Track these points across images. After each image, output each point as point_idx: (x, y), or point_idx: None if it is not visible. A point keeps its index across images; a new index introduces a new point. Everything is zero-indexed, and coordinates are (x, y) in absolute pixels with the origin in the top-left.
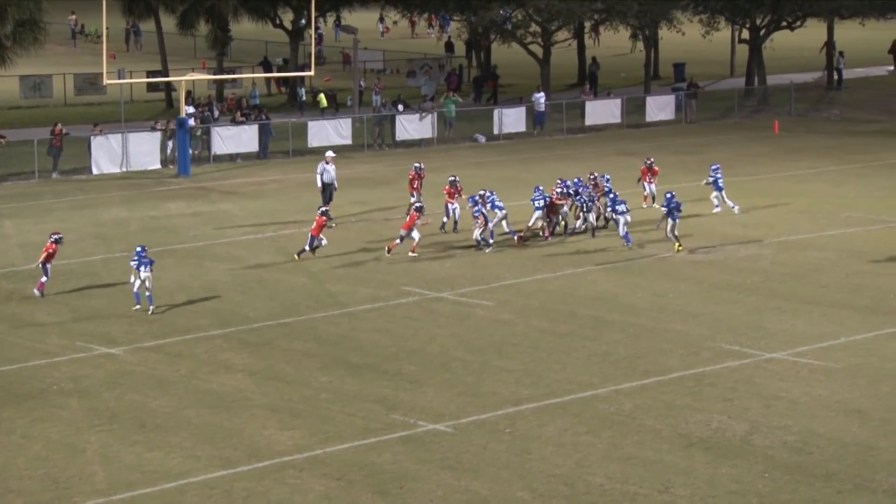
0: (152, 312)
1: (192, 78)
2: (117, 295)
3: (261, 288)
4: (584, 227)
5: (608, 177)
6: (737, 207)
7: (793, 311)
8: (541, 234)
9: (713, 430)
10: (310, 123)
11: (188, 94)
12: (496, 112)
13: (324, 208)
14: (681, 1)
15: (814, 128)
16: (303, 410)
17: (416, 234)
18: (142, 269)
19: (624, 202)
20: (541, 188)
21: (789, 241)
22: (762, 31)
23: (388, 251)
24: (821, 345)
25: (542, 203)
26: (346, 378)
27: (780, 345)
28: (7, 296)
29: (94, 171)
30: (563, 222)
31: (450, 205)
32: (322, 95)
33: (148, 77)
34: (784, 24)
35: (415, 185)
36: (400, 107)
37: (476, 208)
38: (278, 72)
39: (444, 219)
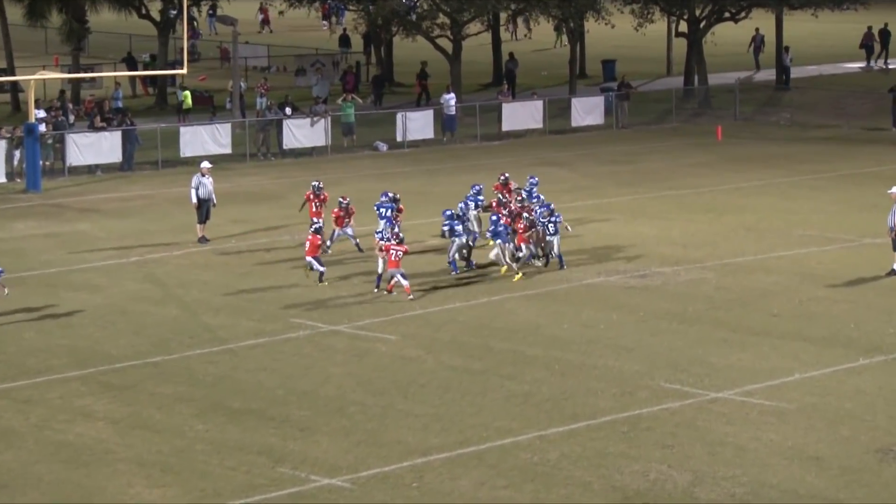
0: None
1: (42, 77)
2: None
3: (125, 321)
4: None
5: (535, 180)
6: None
7: (740, 343)
8: (535, 261)
9: (651, 481)
10: (182, 130)
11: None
12: (399, 116)
13: (316, 225)
14: None
15: (761, 133)
16: (175, 464)
17: (394, 271)
18: None
19: (559, 215)
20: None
21: (735, 263)
22: (702, 24)
23: (388, 291)
24: (772, 382)
25: (499, 229)
26: (225, 426)
27: (727, 382)
28: None
29: None
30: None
31: (338, 230)
32: (186, 93)
33: None
34: (727, 15)
35: (314, 208)
36: (288, 110)
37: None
38: (145, 69)
39: (329, 242)
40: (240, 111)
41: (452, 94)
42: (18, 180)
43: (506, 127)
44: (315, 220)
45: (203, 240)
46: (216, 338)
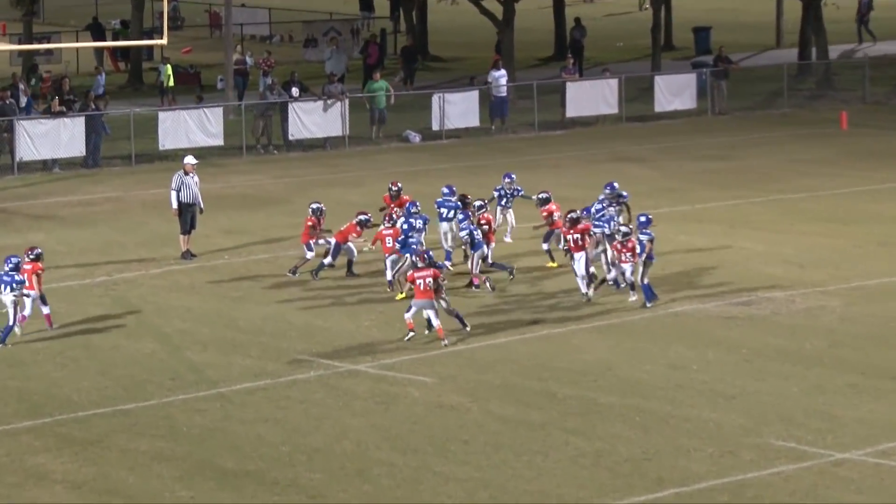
0: None
1: None
2: None
3: (89, 358)
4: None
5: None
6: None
7: (872, 390)
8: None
9: None
10: (161, 116)
11: None
12: (435, 99)
13: (363, 216)
14: None
15: None
16: None
17: (422, 303)
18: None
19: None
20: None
21: (864, 287)
22: None
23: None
24: None
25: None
26: (216, 492)
27: (855, 440)
28: None
29: None
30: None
31: (310, 244)
32: (167, 67)
33: None
34: None
35: (313, 235)
36: (294, 91)
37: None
38: (114, 39)
39: (309, 255)
40: (237, 92)
41: (503, 72)
42: None
43: (570, 112)
44: (309, 247)
45: (187, 255)
46: (204, 379)
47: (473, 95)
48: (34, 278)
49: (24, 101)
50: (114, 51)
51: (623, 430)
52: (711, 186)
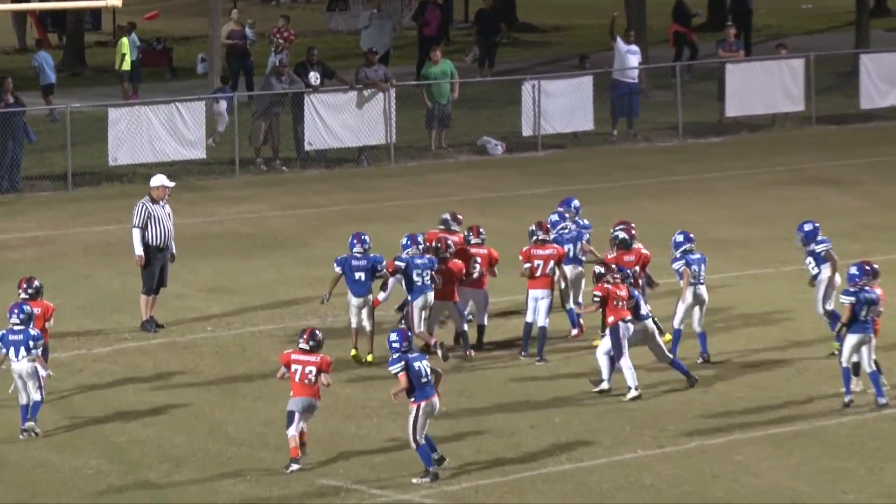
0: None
1: None
2: None
3: (3, 487)
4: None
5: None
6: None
7: None
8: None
9: None
10: (113, 115)
11: None
12: (527, 89)
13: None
14: None
15: None
16: None
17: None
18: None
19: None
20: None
21: None
22: None
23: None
24: None
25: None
26: None
27: None
28: None
29: None
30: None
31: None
32: (123, 42)
33: None
34: None
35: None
36: (314, 76)
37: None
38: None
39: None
40: (228, 78)
41: (633, 47)
42: None
43: (731, 110)
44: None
45: (150, 325)
46: None
47: (585, 84)
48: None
49: None
50: (41, 17)
51: None
52: None
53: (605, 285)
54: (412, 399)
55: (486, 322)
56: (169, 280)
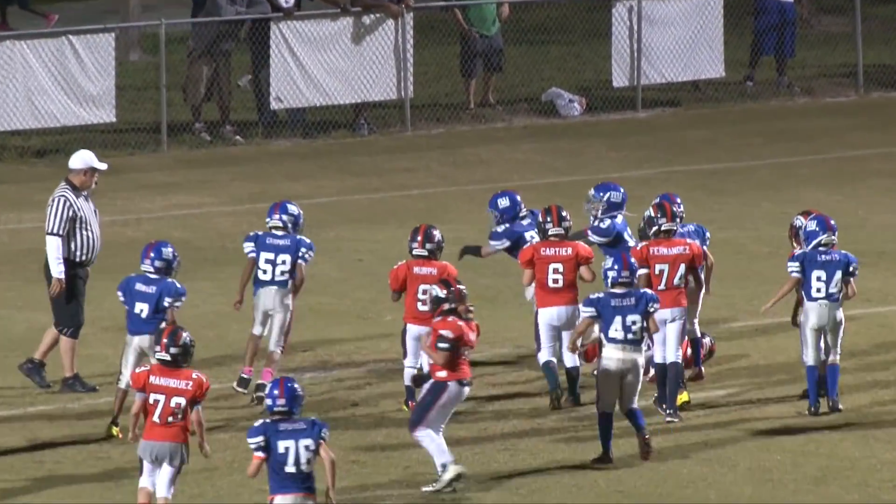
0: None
1: None
2: None
3: None
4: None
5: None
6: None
7: None
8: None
9: None
10: None
11: None
12: (620, 14)
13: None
14: None
15: None
16: None
17: None
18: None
19: None
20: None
21: None
22: None
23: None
24: None
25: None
26: None
27: None
28: None
29: None
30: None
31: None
32: None
33: None
34: None
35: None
36: None
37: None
38: None
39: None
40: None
41: None
42: None
43: None
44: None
45: (78, 382)
46: None
47: (712, 5)
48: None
49: None
50: None
51: None
52: None
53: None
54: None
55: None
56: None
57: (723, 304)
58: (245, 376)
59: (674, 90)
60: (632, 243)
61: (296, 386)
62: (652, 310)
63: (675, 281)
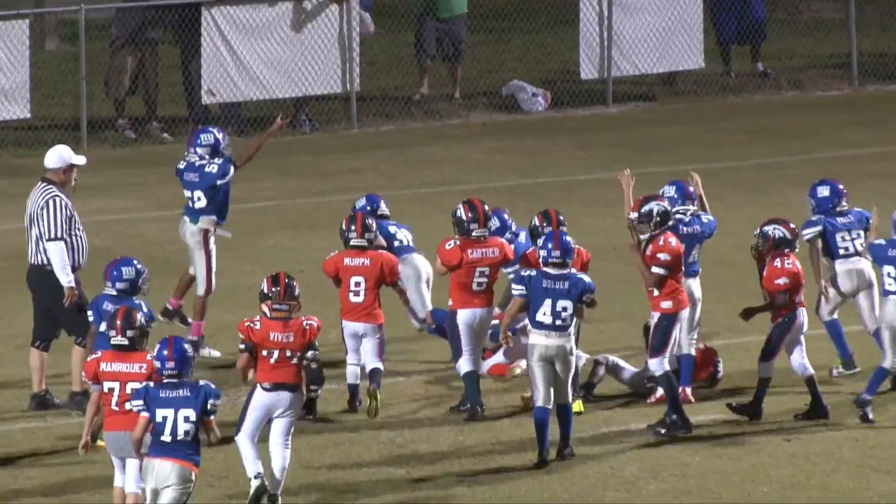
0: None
1: None
2: None
3: None
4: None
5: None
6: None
7: None
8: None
9: None
10: None
11: None
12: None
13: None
14: None
15: None
16: None
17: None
18: None
19: None
20: None
21: None
22: None
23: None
24: None
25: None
26: None
27: None
28: None
29: None
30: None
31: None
32: None
33: None
34: None
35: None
36: None
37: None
38: None
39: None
40: None
41: None
42: None
43: None
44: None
45: (82, 399)
46: None
47: None
48: None
49: None
50: None
51: None
52: None
53: None
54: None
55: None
56: None
57: (703, 319)
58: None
59: (648, 83)
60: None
61: (186, 346)
62: (587, 300)
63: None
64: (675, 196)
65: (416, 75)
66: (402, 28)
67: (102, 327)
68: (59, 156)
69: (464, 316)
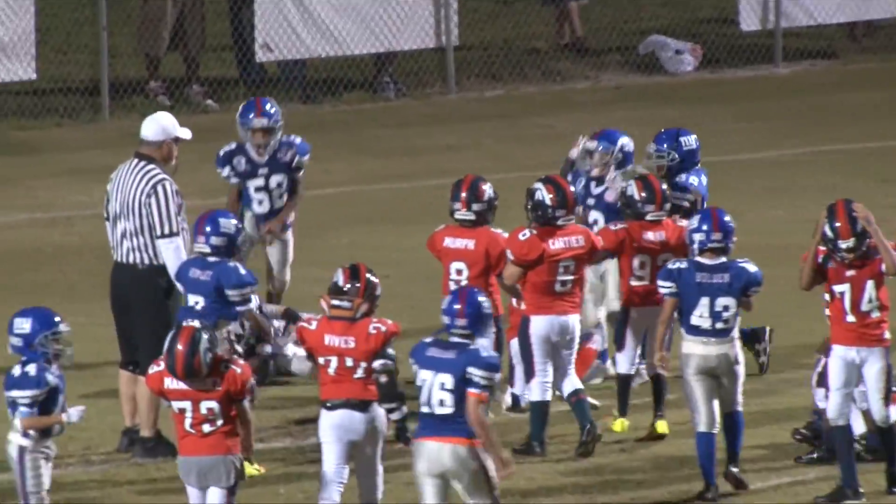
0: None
1: None
2: None
3: None
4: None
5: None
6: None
7: None
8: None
9: None
10: None
11: None
12: None
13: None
14: None
15: None
16: None
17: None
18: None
19: None
20: None
21: None
22: None
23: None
24: None
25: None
26: None
27: None
28: None
29: None
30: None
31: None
32: None
33: None
34: None
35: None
36: None
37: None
38: None
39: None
40: None
41: None
42: None
43: None
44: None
45: (156, 445)
46: None
47: None
48: None
49: None
50: None
51: None
52: None
53: None
54: None
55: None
56: None
57: None
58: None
59: (826, 37)
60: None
61: (483, 300)
62: (752, 293)
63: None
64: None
65: (532, 22)
66: None
67: (195, 303)
68: (161, 126)
69: (539, 325)
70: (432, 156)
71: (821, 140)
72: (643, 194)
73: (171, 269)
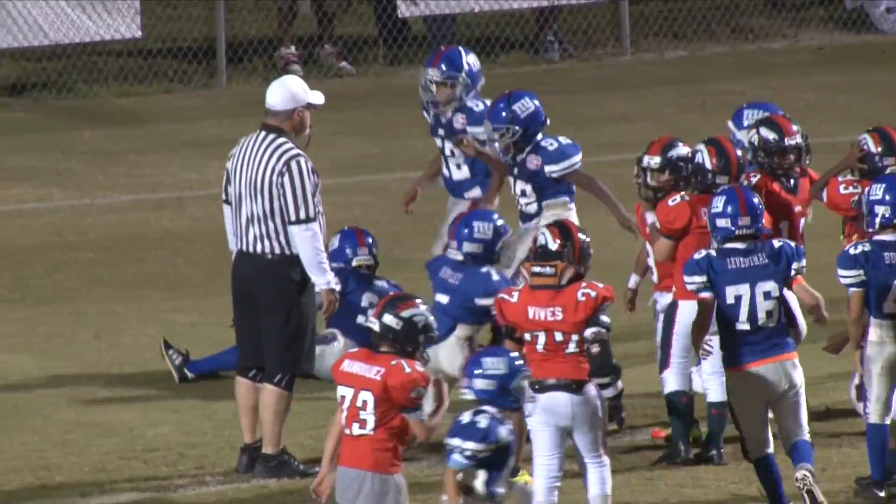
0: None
1: None
2: None
3: None
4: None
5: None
6: None
7: None
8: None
9: None
10: None
11: None
12: None
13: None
14: None
15: None
16: None
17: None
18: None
19: None
20: None
21: None
22: None
23: None
24: None
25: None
26: None
27: None
28: None
29: None
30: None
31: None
32: None
33: None
34: None
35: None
36: None
37: None
38: None
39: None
40: None
41: None
42: None
43: None
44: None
45: (285, 461)
46: None
47: None
48: None
49: None
50: None
51: None
52: None
53: None
54: None
55: None
56: None
57: None
58: None
59: None
60: None
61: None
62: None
63: None
64: None
65: None
66: None
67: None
68: (289, 92)
69: (686, 311)
70: (602, 127)
71: None
72: (714, 161)
73: (308, 260)
